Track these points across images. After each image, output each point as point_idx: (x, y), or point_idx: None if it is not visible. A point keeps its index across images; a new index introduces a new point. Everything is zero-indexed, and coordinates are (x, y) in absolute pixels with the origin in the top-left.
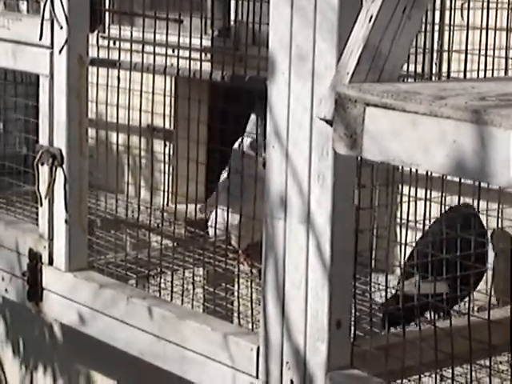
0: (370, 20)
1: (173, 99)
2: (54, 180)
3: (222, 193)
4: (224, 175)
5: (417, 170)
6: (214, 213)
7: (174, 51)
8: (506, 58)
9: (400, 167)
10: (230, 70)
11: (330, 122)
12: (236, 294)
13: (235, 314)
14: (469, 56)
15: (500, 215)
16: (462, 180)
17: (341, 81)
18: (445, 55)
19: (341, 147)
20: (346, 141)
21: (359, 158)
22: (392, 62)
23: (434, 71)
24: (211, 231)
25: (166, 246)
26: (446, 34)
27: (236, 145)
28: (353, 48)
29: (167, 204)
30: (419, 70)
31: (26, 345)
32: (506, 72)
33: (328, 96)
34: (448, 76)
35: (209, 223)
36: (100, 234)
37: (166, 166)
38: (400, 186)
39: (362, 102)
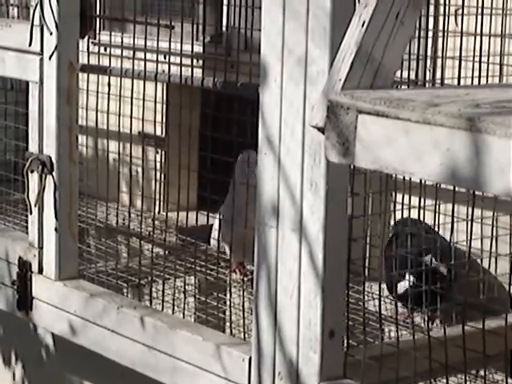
0: (362, 25)
1: (164, 106)
2: (44, 187)
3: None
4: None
5: (410, 178)
6: (216, 224)
7: (165, 57)
8: (501, 65)
9: (393, 175)
10: (222, 77)
11: (322, 130)
12: (228, 303)
13: (227, 324)
14: (463, 62)
15: (495, 223)
16: (457, 188)
17: (333, 87)
18: (438, 62)
19: (333, 155)
20: (338, 149)
21: (352, 166)
22: (385, 67)
23: (427, 78)
24: (213, 242)
25: (157, 254)
26: (440, 40)
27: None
28: (345, 53)
29: (159, 212)
30: (413, 76)
31: (17, 354)
32: (500, 79)
33: (320, 103)
34: (442, 83)
35: (212, 235)
36: (91, 243)
37: (158, 173)
38: (393, 194)
39: (354, 110)
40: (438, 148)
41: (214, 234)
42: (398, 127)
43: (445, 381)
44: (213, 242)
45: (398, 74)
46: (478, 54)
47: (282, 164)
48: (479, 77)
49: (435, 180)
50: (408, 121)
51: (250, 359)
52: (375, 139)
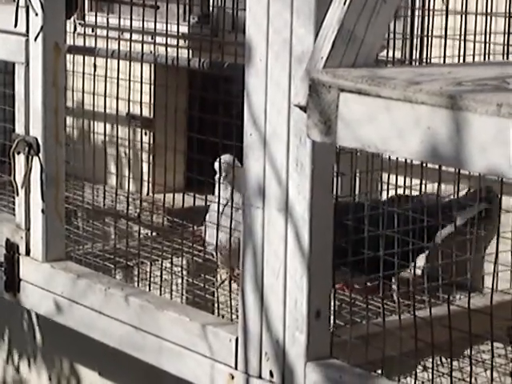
0: (344, 3)
1: (151, 87)
2: (31, 169)
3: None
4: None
5: (397, 158)
6: (210, 229)
7: (151, 38)
8: (485, 43)
9: (380, 154)
10: (208, 57)
11: (304, 109)
12: (216, 284)
13: (215, 305)
14: (450, 41)
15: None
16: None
17: (315, 66)
18: (425, 41)
19: (315, 134)
20: (320, 127)
21: (338, 146)
22: (367, 46)
23: (414, 57)
24: (211, 248)
25: (145, 235)
26: (427, 19)
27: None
28: (327, 32)
29: (147, 193)
30: (400, 55)
31: (8, 336)
32: (487, 57)
33: (302, 82)
34: (428, 62)
35: (206, 238)
36: (78, 224)
37: (145, 154)
38: (380, 174)
39: (336, 88)
40: (419, 126)
41: (209, 248)
42: (380, 105)
43: (431, 360)
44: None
45: (385, 53)
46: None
47: (268, 144)
48: (464, 56)
49: (416, 158)
50: (389, 99)
51: (237, 340)
52: (357, 117)
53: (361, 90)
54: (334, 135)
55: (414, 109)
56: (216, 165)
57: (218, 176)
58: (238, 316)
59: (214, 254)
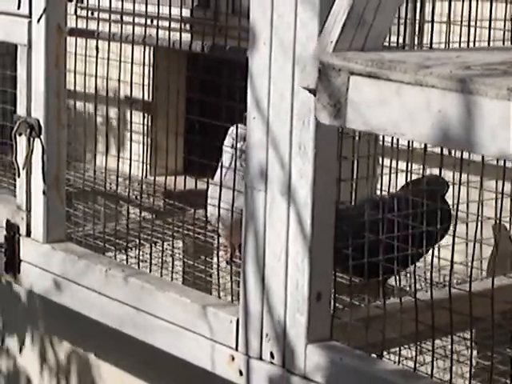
0: None
1: (151, 70)
2: (32, 151)
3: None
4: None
5: (398, 143)
6: (210, 209)
7: (152, 22)
8: (490, 29)
9: (381, 139)
10: (210, 41)
11: (313, 92)
12: (215, 266)
13: (214, 287)
14: (451, 27)
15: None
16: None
17: (324, 49)
18: (426, 27)
19: (324, 117)
20: (329, 110)
21: (340, 130)
22: (376, 30)
23: (415, 42)
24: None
25: (144, 218)
26: (427, 4)
27: (227, 140)
28: (337, 16)
29: (146, 176)
30: (400, 41)
31: (3, 317)
32: (488, 43)
33: (312, 65)
34: (430, 47)
35: (208, 214)
36: (79, 206)
37: (145, 137)
38: (381, 158)
39: (346, 71)
40: (430, 109)
41: (211, 218)
42: (390, 88)
43: (430, 343)
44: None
45: (386, 38)
46: (466, 18)
47: (271, 127)
48: (468, 42)
49: (427, 141)
50: (400, 82)
51: (238, 321)
52: (366, 101)
53: (371, 73)
54: (343, 118)
55: (424, 92)
56: (232, 131)
57: (232, 142)
58: (236, 298)
59: (217, 225)
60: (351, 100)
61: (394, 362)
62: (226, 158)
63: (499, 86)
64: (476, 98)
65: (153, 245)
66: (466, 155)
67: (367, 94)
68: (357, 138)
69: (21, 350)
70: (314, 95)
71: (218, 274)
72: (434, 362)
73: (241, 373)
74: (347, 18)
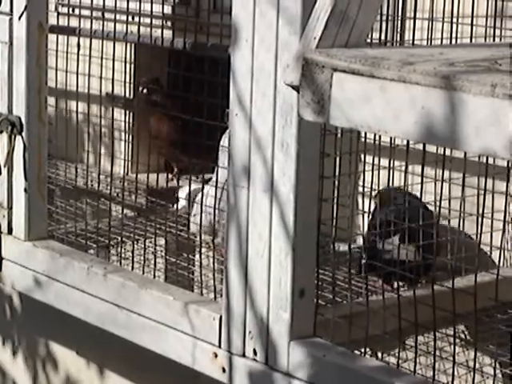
0: None
1: (133, 67)
2: (13, 148)
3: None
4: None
5: (380, 140)
6: (196, 208)
7: (134, 18)
8: (472, 26)
9: (363, 136)
10: (192, 38)
11: (296, 88)
12: (197, 263)
13: (197, 284)
14: (431, 24)
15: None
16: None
17: (308, 45)
18: (407, 23)
19: (307, 113)
20: (312, 107)
21: (323, 127)
22: (359, 27)
23: (396, 39)
24: (194, 227)
25: (126, 215)
26: (409, 1)
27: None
28: (320, 12)
29: (127, 173)
30: (382, 37)
31: None
32: (470, 40)
33: (295, 61)
34: (412, 44)
35: (191, 219)
36: (60, 204)
37: (126, 134)
38: (363, 155)
39: (329, 68)
40: (414, 106)
41: (194, 219)
42: (374, 85)
43: (413, 340)
44: (194, 227)
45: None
46: (448, 15)
47: (253, 125)
48: (450, 38)
49: (411, 138)
50: (383, 79)
51: (221, 318)
52: (350, 97)
53: (354, 69)
54: (326, 115)
55: (407, 89)
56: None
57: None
58: (219, 295)
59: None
60: (335, 97)
61: (381, 359)
62: (223, 159)
63: (483, 83)
64: (460, 94)
65: (135, 242)
66: (448, 152)
67: (351, 91)
68: (339, 135)
69: (4, 344)
70: (298, 92)
71: (201, 272)
72: (417, 359)
73: (224, 370)
74: (330, 14)
